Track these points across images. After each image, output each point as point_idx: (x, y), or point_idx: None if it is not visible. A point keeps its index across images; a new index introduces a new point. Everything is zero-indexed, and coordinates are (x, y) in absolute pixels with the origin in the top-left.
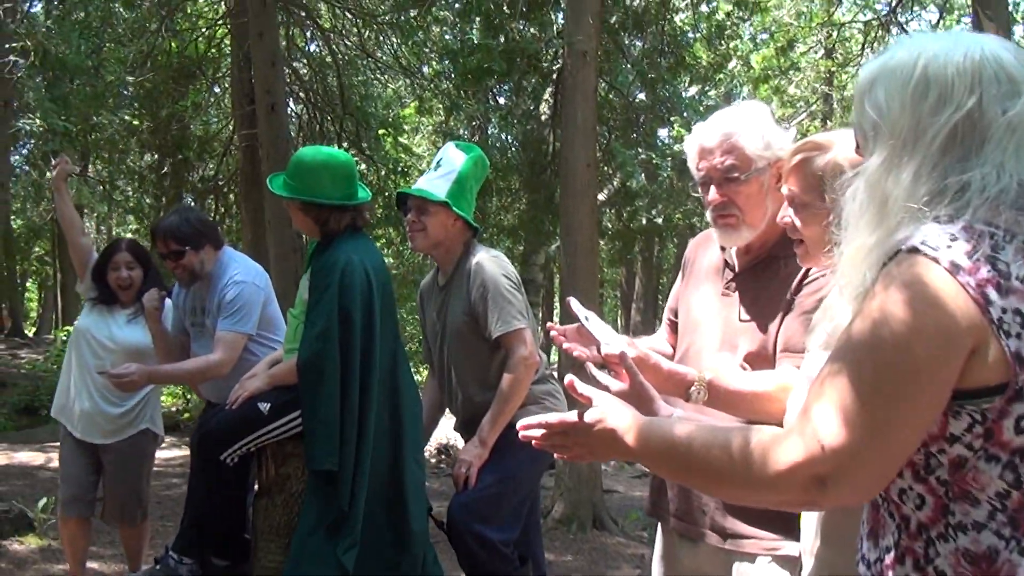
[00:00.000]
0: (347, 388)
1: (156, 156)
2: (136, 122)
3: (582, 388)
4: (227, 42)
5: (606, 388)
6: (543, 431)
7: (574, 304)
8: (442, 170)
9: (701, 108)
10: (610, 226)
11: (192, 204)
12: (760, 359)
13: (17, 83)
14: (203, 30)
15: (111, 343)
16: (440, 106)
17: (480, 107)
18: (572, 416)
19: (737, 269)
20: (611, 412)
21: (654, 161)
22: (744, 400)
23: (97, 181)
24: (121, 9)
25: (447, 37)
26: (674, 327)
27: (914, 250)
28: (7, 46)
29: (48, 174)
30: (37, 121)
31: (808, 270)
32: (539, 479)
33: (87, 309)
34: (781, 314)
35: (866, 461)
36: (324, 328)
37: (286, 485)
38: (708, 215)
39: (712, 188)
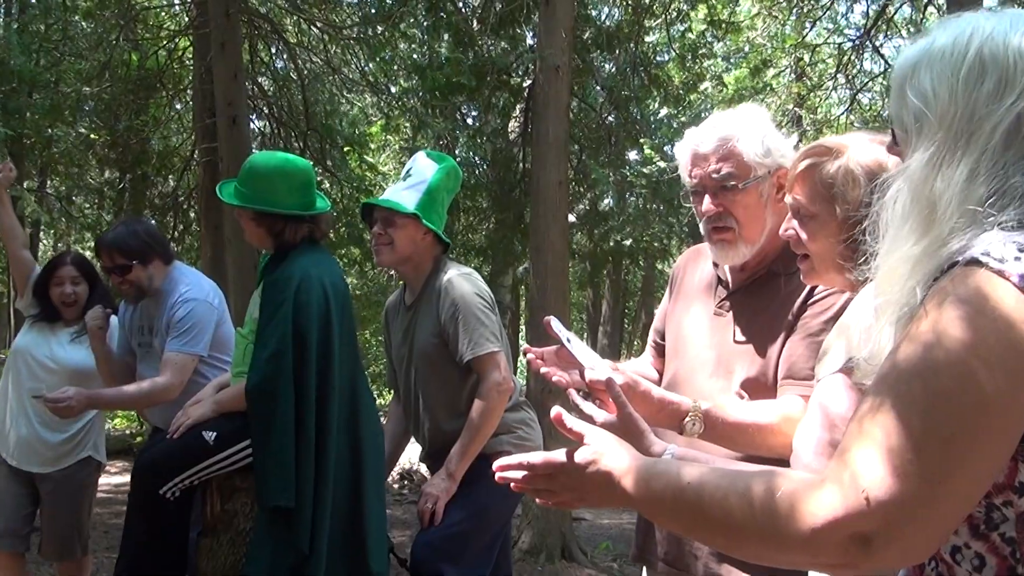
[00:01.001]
0: (302, 415)
1: (116, 172)
2: (93, 136)
3: (571, 423)
4: (190, 54)
5: (590, 419)
6: (524, 473)
7: (554, 324)
8: (411, 180)
9: (672, 129)
10: (577, 247)
11: (152, 220)
12: (758, 386)
13: None
14: (164, 42)
15: (53, 364)
16: (407, 124)
17: (448, 125)
18: (560, 456)
19: (731, 287)
20: (607, 452)
21: (629, 179)
22: (744, 433)
23: (55, 197)
24: (81, 21)
25: (415, 56)
26: (660, 350)
27: (974, 262)
28: None
29: None
30: None
31: (813, 288)
32: (511, 515)
33: (27, 327)
34: (783, 336)
35: (920, 516)
36: (276, 349)
37: (233, 523)
38: (702, 227)
39: (706, 198)
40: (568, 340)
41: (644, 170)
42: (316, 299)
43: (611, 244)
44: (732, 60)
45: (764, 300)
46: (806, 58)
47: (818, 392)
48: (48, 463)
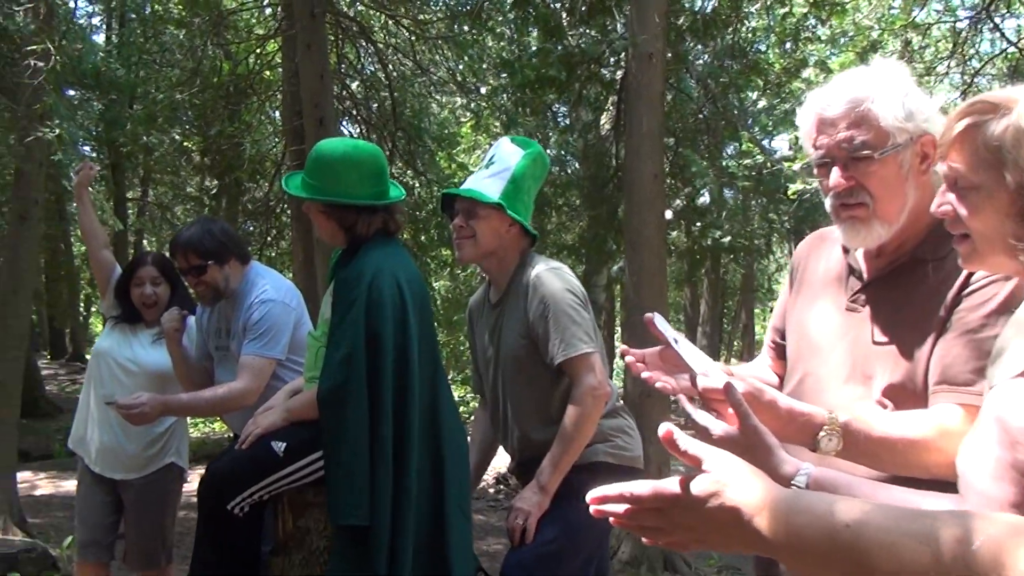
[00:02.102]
0: (377, 424)
1: (213, 180)
2: (187, 143)
3: (686, 443)
4: (278, 59)
5: (705, 432)
6: (626, 506)
7: (658, 321)
8: (494, 168)
9: (770, 119)
10: (674, 244)
11: (249, 226)
12: (904, 393)
13: (45, 92)
14: (255, 47)
15: (134, 367)
16: (497, 123)
17: (539, 122)
18: (672, 486)
19: (866, 277)
20: (733, 481)
21: (731, 170)
22: (891, 449)
23: (155, 206)
24: (175, 31)
25: (503, 54)
26: (781, 351)
27: None
28: (27, 48)
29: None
30: (57, 130)
31: (969, 276)
32: (609, 531)
33: (108, 329)
34: (933, 335)
35: None
36: (348, 352)
37: (305, 541)
38: (828, 205)
39: (835, 170)
40: (675, 341)
41: (745, 161)
42: (390, 296)
43: (710, 241)
44: (836, 45)
45: (907, 292)
46: (916, 40)
47: (994, 401)
48: (131, 470)
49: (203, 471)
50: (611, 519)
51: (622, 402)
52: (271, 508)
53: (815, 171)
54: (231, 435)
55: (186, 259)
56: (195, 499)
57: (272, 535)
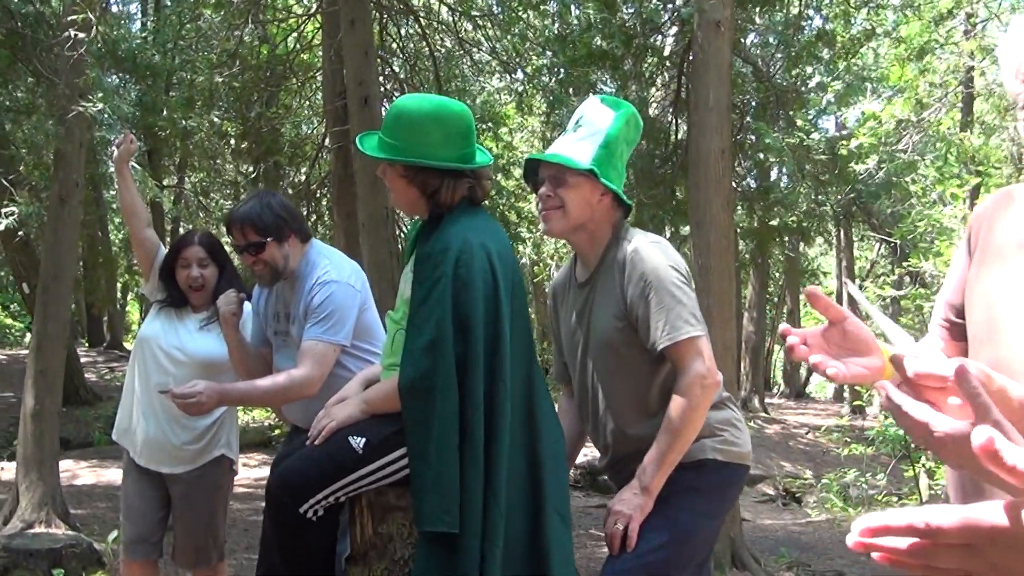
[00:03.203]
0: (467, 418)
1: (251, 167)
2: (225, 126)
3: (1015, 456)
4: (318, 40)
5: (921, 430)
6: (913, 540)
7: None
8: (583, 131)
9: (823, 99)
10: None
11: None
12: None
13: (85, 67)
14: (295, 26)
15: (181, 354)
16: (543, 103)
17: (584, 100)
18: (991, 515)
19: None
20: None
21: (806, 143)
22: None
23: (192, 193)
24: (212, 15)
25: (547, 32)
26: (957, 332)
27: None
28: (68, 19)
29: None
30: (99, 105)
31: None
32: (716, 538)
33: (153, 314)
34: None
35: None
36: (434, 337)
37: (387, 549)
38: None
39: None
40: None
41: (816, 136)
42: (480, 273)
43: (777, 220)
44: (902, 15)
45: None
46: (981, 11)
47: None
48: (179, 462)
49: (249, 462)
50: (877, 555)
51: (727, 392)
52: (348, 511)
53: (1020, 114)
54: (271, 423)
55: (243, 235)
56: (244, 491)
57: (348, 535)
